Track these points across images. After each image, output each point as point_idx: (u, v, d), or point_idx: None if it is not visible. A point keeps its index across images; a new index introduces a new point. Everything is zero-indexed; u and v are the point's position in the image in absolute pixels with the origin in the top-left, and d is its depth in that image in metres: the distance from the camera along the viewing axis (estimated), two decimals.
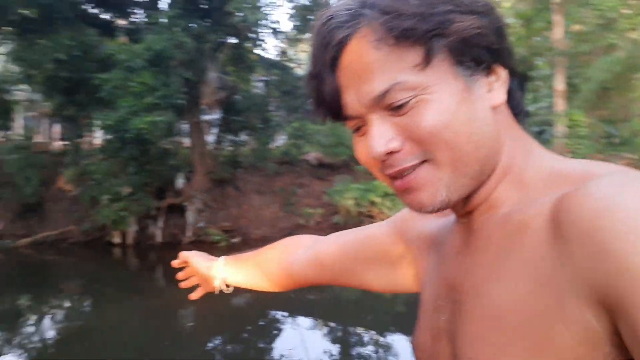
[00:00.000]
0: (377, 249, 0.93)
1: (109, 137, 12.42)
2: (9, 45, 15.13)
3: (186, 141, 15.59)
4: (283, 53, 16.13)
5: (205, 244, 15.20)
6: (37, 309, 9.23)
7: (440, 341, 0.68)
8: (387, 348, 6.77)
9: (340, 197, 14.24)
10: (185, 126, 15.10)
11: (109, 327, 8.10)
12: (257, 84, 16.88)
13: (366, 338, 7.23)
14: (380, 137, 0.61)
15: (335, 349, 6.63)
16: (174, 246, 15.01)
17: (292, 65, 16.58)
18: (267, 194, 17.16)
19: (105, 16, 15.58)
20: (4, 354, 6.99)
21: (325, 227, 15.69)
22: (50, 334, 7.79)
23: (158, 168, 13.22)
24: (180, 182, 14.73)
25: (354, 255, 0.97)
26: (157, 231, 14.67)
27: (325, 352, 6.30)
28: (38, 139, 19.91)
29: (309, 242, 1.11)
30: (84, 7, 14.57)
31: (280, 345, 6.73)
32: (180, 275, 1.37)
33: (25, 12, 13.58)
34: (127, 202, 12.54)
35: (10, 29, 13.84)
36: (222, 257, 1.25)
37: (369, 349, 6.80)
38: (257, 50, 15.77)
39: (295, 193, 17.00)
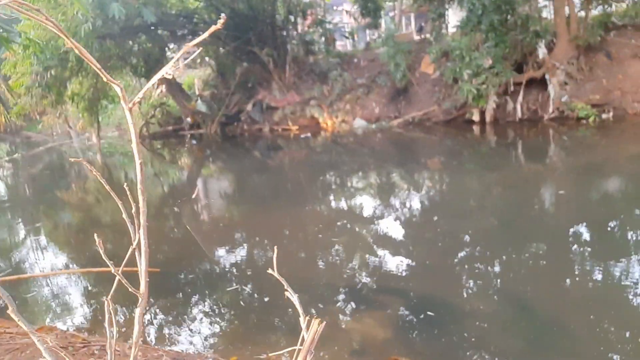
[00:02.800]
0: None
1: (468, 7, 12.31)
2: None
3: (549, 5, 13.96)
4: None
5: (569, 121, 13.90)
6: (408, 180, 10.61)
7: None
8: None
9: None
10: None
11: (467, 197, 8.62)
12: None
13: None
14: None
15: None
16: (534, 123, 14.36)
17: None
18: None
19: None
20: (385, 218, 8.37)
21: None
22: (416, 203, 8.60)
23: (518, 37, 12.44)
24: (541, 52, 13.55)
25: None
26: (516, 107, 14.24)
27: None
28: (400, 34, 21.97)
29: None
30: None
31: None
32: None
33: None
34: (487, 75, 12.52)
35: None
36: None
37: None
38: None
39: None
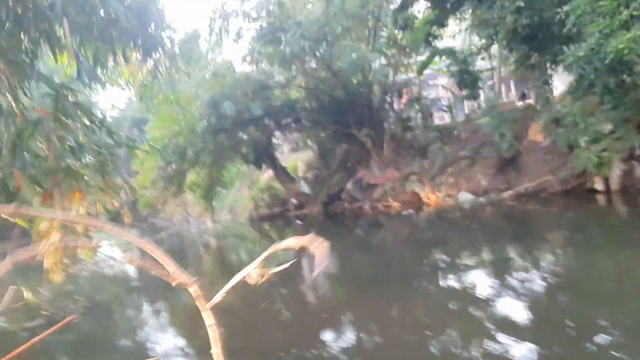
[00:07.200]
0: None
1: (578, 72, 11.55)
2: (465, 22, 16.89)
3: None
4: None
5: None
6: (526, 257, 9.59)
7: None
8: None
9: None
10: None
11: (599, 278, 7.50)
12: None
13: None
14: None
15: None
16: None
17: None
18: None
19: None
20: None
21: None
22: (538, 283, 7.67)
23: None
24: None
25: None
26: None
27: None
28: (501, 101, 21.42)
29: None
30: None
31: None
32: None
33: None
34: (608, 141, 11.34)
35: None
36: None
37: None
38: None
39: None
